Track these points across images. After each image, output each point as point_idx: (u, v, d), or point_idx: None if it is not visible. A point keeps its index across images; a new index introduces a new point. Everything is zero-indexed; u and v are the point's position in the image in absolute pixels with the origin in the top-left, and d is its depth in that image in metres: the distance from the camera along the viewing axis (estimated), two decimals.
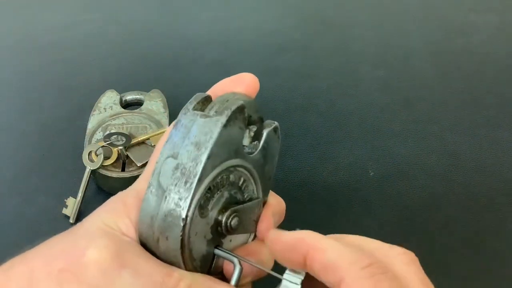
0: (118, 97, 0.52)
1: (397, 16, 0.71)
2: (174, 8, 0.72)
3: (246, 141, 0.29)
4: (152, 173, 0.26)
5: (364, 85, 0.58)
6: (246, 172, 0.29)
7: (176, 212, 0.25)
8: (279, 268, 0.25)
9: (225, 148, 0.26)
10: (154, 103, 0.51)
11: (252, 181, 0.30)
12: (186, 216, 0.25)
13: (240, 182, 0.29)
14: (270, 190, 0.32)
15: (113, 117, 0.49)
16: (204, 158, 0.25)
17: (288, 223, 0.39)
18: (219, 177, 0.27)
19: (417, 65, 0.61)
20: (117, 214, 0.26)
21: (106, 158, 0.44)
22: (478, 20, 0.69)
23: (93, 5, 0.73)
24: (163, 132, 0.47)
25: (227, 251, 0.28)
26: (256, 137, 0.29)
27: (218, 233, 0.28)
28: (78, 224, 0.26)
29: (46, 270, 0.24)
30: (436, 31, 0.67)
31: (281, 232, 0.25)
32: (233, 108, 0.26)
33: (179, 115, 0.26)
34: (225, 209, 0.27)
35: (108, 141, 0.45)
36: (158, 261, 0.25)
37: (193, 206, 0.25)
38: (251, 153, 0.29)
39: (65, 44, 0.65)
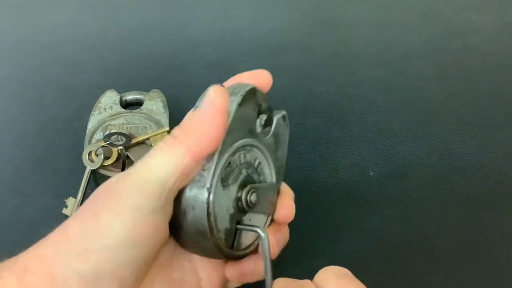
0: (118, 97, 0.52)
1: (397, 16, 0.71)
2: (174, 8, 0.72)
3: (258, 128, 0.31)
4: None
5: (364, 85, 0.58)
6: (260, 154, 0.31)
7: (200, 182, 0.27)
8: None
9: (241, 126, 0.29)
10: (154, 103, 0.51)
11: (267, 163, 0.32)
12: (211, 185, 0.27)
13: (256, 164, 0.31)
14: (282, 181, 0.34)
15: (113, 117, 0.49)
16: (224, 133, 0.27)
17: (288, 223, 0.39)
18: (237, 154, 0.29)
19: (417, 65, 0.61)
20: None
21: (106, 158, 0.44)
22: (478, 20, 0.69)
23: (93, 5, 0.73)
24: (163, 132, 0.47)
25: (248, 224, 0.30)
26: (267, 124, 0.31)
27: (239, 208, 0.29)
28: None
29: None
30: (436, 31, 0.67)
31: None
32: (247, 89, 0.29)
33: (197, 102, 0.28)
34: (244, 185, 0.29)
35: (108, 141, 0.45)
36: None
37: (216, 176, 0.27)
38: (264, 137, 0.31)
39: (65, 44, 0.65)
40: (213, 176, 0.27)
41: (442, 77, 0.59)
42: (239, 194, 0.29)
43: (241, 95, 0.28)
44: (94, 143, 0.46)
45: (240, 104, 0.28)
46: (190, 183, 0.27)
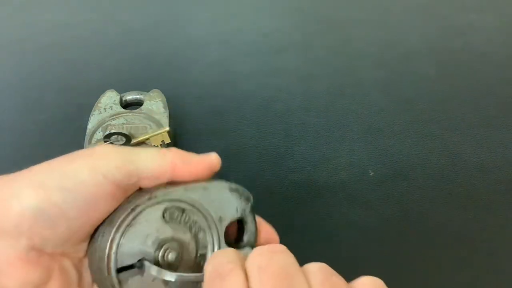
0: (118, 97, 0.52)
1: (397, 16, 0.71)
2: (174, 8, 0.72)
3: (232, 236, 0.30)
4: None
5: (364, 85, 0.58)
6: (209, 255, 0.28)
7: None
8: None
9: (217, 202, 0.29)
10: (154, 103, 0.51)
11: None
12: (155, 195, 0.27)
13: (200, 252, 0.29)
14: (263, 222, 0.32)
15: (113, 117, 0.49)
16: (203, 184, 0.28)
17: (288, 223, 0.39)
18: (199, 214, 0.28)
19: (417, 65, 0.61)
20: None
21: None
22: (478, 20, 0.69)
23: (93, 5, 0.73)
24: (163, 132, 0.47)
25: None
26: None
27: (156, 252, 0.28)
28: None
29: None
30: (436, 31, 0.67)
31: None
32: (245, 190, 0.30)
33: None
34: (176, 240, 0.28)
35: (108, 141, 0.45)
36: None
37: (167, 192, 0.27)
38: (228, 245, 0.29)
39: (65, 44, 0.65)
40: (168, 192, 0.27)
41: (442, 77, 0.59)
42: (165, 241, 0.28)
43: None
44: (94, 143, 0.46)
45: (231, 189, 0.29)
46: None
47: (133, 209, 0.26)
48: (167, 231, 0.27)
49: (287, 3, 0.74)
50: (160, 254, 0.27)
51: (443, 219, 0.44)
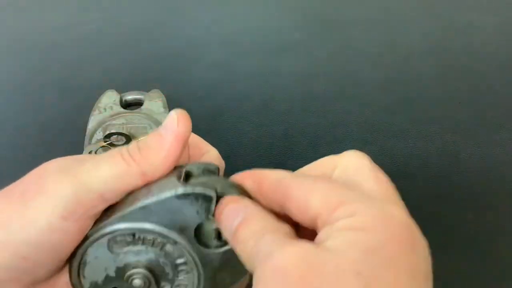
0: (118, 97, 0.51)
1: (397, 16, 0.71)
2: (174, 8, 0.72)
3: (208, 238, 0.26)
4: None
5: (364, 85, 0.58)
6: (190, 258, 0.26)
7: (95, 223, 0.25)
8: None
9: (169, 217, 0.25)
10: (154, 103, 0.51)
11: (196, 274, 0.26)
12: (89, 235, 0.25)
13: (179, 261, 0.26)
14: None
15: (113, 117, 0.49)
16: (138, 205, 0.24)
17: None
18: (151, 235, 0.25)
19: (417, 65, 0.61)
20: None
21: None
22: (478, 20, 0.69)
23: (93, 5, 0.73)
24: None
25: None
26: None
27: (124, 284, 0.26)
28: None
29: None
30: (436, 31, 0.67)
31: (266, 172, 0.25)
32: (198, 190, 0.24)
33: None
34: (139, 266, 0.26)
35: (108, 141, 0.45)
36: None
37: (101, 232, 0.25)
38: (207, 246, 0.26)
39: (65, 44, 0.65)
40: (98, 231, 0.25)
41: (442, 77, 0.59)
42: (126, 269, 0.26)
43: (186, 188, 0.24)
44: (94, 143, 0.46)
45: (178, 197, 0.24)
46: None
47: (83, 253, 0.26)
48: (123, 259, 0.26)
49: (287, 3, 0.74)
50: (128, 279, 0.26)
51: (443, 219, 0.44)
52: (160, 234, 0.25)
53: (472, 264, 0.40)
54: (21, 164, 0.50)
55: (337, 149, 0.51)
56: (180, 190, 0.24)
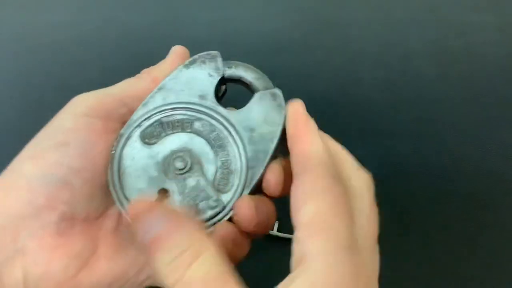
0: None
1: (397, 16, 0.70)
2: (174, 8, 0.72)
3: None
4: None
5: (364, 85, 0.58)
6: (220, 127, 0.26)
7: (118, 131, 0.26)
8: None
9: (185, 87, 0.26)
10: None
11: (233, 143, 0.26)
12: (121, 134, 0.25)
13: (212, 136, 0.26)
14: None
15: None
16: (155, 88, 0.26)
17: (288, 222, 0.39)
18: (177, 116, 0.26)
19: (417, 65, 0.61)
20: None
21: None
22: (478, 20, 0.69)
23: (93, 5, 0.73)
24: None
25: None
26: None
27: (168, 176, 0.25)
28: None
29: None
30: (436, 31, 0.67)
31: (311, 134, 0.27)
32: (203, 53, 0.27)
33: None
34: (177, 151, 0.26)
35: None
36: None
37: (131, 125, 0.25)
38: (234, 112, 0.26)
39: (65, 44, 0.65)
40: (128, 126, 0.25)
41: (442, 77, 0.59)
42: (166, 158, 0.25)
43: (192, 57, 0.27)
44: None
45: (187, 66, 0.26)
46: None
47: (119, 158, 0.25)
48: (159, 152, 0.25)
49: (287, 3, 0.74)
50: (170, 165, 0.25)
51: (443, 219, 0.44)
52: (184, 109, 0.25)
53: (472, 264, 0.40)
54: None
55: None
56: (186, 61, 0.26)
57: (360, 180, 0.26)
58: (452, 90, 0.57)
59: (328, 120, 0.54)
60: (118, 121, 0.26)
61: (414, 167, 0.48)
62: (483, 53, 0.63)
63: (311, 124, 0.26)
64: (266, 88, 0.28)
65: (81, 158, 0.24)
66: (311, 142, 0.24)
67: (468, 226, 0.43)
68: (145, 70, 0.29)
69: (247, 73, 0.28)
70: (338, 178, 0.23)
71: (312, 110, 0.56)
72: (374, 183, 0.48)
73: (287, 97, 0.57)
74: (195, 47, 0.65)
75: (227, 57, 0.62)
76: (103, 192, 0.25)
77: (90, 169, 0.24)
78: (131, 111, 0.26)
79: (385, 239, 0.44)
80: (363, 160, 0.50)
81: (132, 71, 0.61)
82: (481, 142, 0.50)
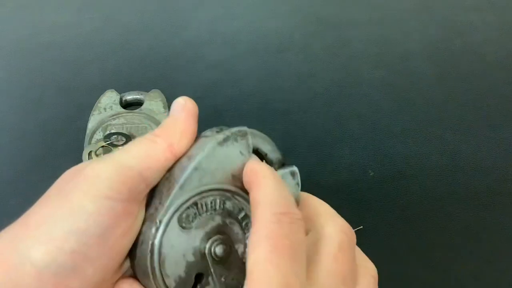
0: (118, 97, 0.52)
1: (397, 16, 0.71)
2: (174, 8, 0.72)
3: None
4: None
5: (364, 85, 0.58)
6: (249, 207, 0.26)
7: (153, 216, 0.25)
8: None
9: (219, 167, 0.26)
10: (154, 103, 0.51)
11: None
12: (160, 221, 0.24)
13: (240, 215, 0.27)
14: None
15: (113, 117, 0.49)
16: (190, 167, 0.25)
17: None
18: (210, 197, 0.25)
19: (417, 65, 0.61)
20: None
21: None
22: (478, 20, 0.69)
23: (93, 5, 0.73)
24: None
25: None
26: None
27: (204, 260, 0.26)
28: None
29: None
30: (436, 31, 0.67)
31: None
32: (234, 130, 0.26)
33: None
34: (213, 234, 0.26)
35: (108, 141, 0.45)
36: None
37: (169, 213, 0.24)
38: None
39: (65, 44, 0.65)
40: (166, 211, 0.24)
41: (442, 77, 0.59)
42: (202, 242, 0.25)
43: (224, 134, 0.26)
44: (94, 143, 0.46)
45: (220, 143, 0.25)
46: (148, 215, 0.25)
47: (159, 246, 0.24)
48: (196, 236, 0.25)
49: (287, 3, 0.74)
50: (207, 250, 0.25)
51: (443, 219, 0.44)
52: (218, 191, 0.25)
53: (472, 264, 0.40)
54: (21, 164, 0.50)
55: (337, 149, 0.51)
56: (220, 136, 0.25)
57: (334, 226, 0.26)
58: (452, 90, 0.57)
59: (328, 120, 0.54)
60: (137, 201, 0.24)
61: (414, 167, 0.48)
62: (483, 53, 0.63)
63: (263, 170, 0.25)
64: (279, 160, 0.29)
65: (98, 247, 0.23)
66: (259, 187, 0.24)
67: (468, 226, 0.43)
68: (158, 133, 0.26)
69: (264, 145, 0.28)
70: (284, 221, 0.23)
71: (312, 110, 0.56)
72: (375, 183, 0.48)
73: (287, 98, 0.58)
74: (195, 47, 0.65)
75: (228, 58, 0.62)
76: (114, 276, 0.25)
77: (106, 257, 0.23)
78: (149, 187, 0.25)
79: (384, 239, 0.44)
80: (363, 159, 0.50)
81: (132, 71, 0.61)
82: (481, 142, 0.50)
